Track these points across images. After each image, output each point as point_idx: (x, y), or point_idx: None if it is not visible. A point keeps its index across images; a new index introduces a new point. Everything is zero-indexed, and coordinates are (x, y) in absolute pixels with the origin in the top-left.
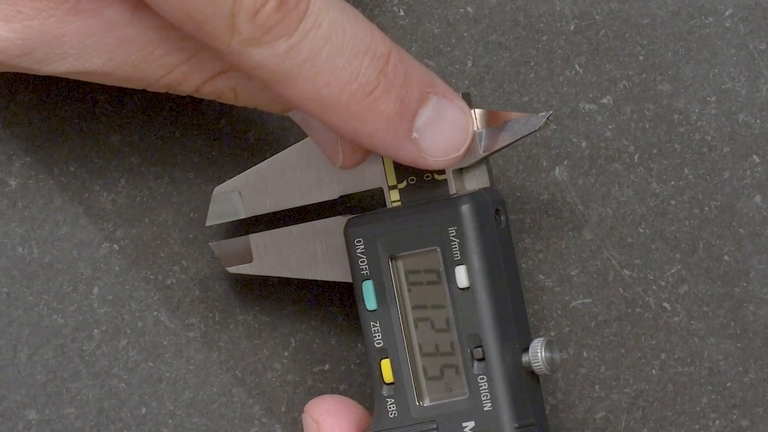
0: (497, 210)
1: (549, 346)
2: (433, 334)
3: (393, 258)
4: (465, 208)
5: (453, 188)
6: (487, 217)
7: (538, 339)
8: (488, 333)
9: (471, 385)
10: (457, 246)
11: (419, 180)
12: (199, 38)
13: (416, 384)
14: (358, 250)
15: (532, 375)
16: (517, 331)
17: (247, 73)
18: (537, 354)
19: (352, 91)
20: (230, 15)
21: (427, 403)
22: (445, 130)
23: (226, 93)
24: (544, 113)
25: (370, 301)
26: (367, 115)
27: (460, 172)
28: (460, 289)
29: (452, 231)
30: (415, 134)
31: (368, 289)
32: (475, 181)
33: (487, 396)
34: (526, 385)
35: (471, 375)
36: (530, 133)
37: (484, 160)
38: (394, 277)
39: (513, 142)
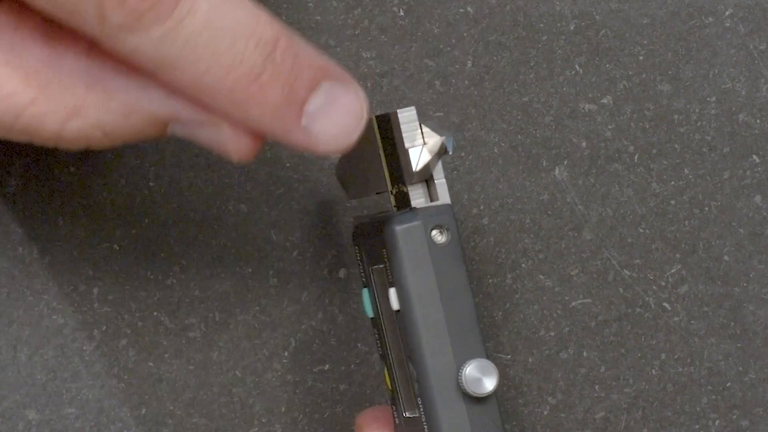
0: (437, 227)
1: (481, 367)
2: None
3: (371, 268)
4: (390, 230)
5: (393, 203)
6: (416, 237)
7: (475, 360)
8: (417, 356)
9: (416, 404)
10: (389, 267)
11: (399, 190)
12: (72, 26)
13: (403, 394)
14: (357, 257)
15: (474, 396)
16: (455, 351)
17: (128, 60)
18: (462, 375)
19: (236, 77)
20: (97, 4)
21: (408, 414)
22: (337, 116)
23: (93, 133)
24: (444, 138)
25: (368, 309)
26: (254, 101)
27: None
28: (395, 311)
29: (386, 251)
30: (305, 121)
31: (365, 297)
32: (424, 197)
33: (424, 417)
34: (468, 407)
35: (414, 395)
36: (438, 156)
37: (426, 174)
38: (376, 288)
39: (427, 164)
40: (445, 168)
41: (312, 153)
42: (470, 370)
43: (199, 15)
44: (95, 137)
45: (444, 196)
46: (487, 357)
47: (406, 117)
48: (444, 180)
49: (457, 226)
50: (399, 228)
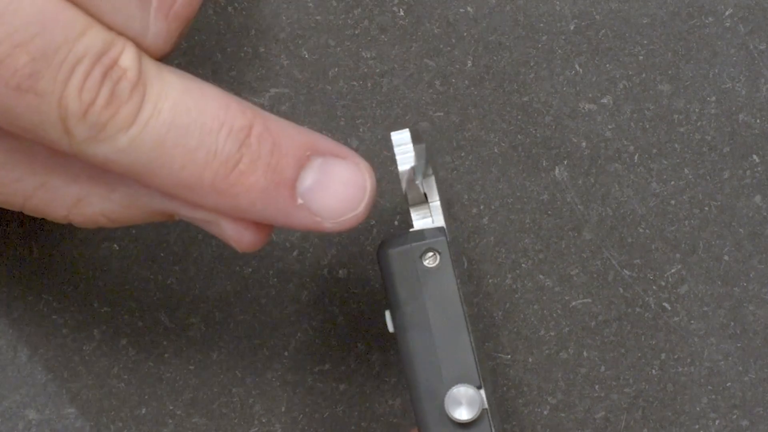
0: (429, 250)
1: (463, 394)
2: None
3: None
4: (381, 253)
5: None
6: (406, 261)
7: (460, 386)
8: (409, 378)
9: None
10: (385, 289)
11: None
12: (41, 142)
13: None
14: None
15: (457, 422)
16: (444, 375)
17: (103, 170)
18: (445, 400)
19: (213, 170)
20: (59, 120)
21: None
22: (335, 190)
23: (99, 219)
24: (413, 165)
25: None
26: (238, 190)
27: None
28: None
29: (381, 273)
30: (300, 200)
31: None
32: (431, 218)
33: None
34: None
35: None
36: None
37: (422, 194)
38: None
39: (414, 187)
40: (444, 168)
41: (322, 231)
42: (452, 395)
43: (163, 115)
44: (102, 222)
45: (438, 219)
46: (480, 381)
47: (399, 139)
48: (438, 202)
49: (450, 249)
50: (389, 251)
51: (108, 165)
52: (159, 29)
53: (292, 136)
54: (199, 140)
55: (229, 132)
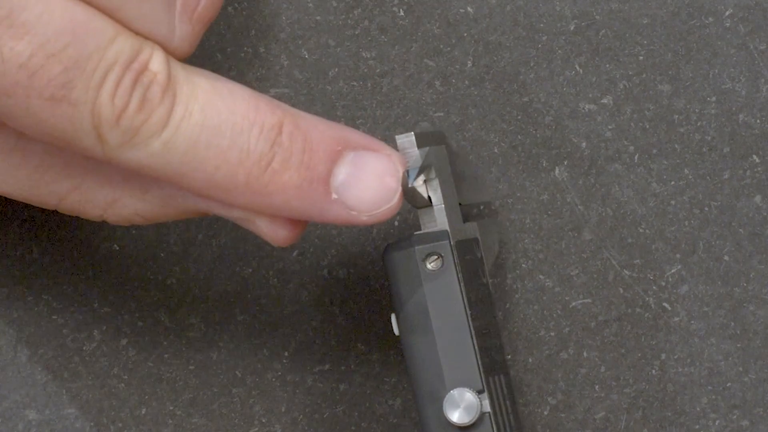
0: (432, 253)
1: (462, 398)
2: None
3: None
4: (386, 256)
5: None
6: (409, 264)
7: (461, 389)
8: (412, 382)
9: None
10: (390, 292)
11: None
12: (76, 151)
13: None
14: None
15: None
16: (447, 378)
17: (138, 174)
18: (444, 403)
19: (247, 169)
20: (93, 127)
21: None
22: (369, 183)
23: (133, 218)
24: (407, 169)
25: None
26: (273, 189)
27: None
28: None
29: (387, 277)
30: (334, 195)
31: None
32: (432, 222)
33: None
34: None
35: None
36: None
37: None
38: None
39: (413, 192)
40: (445, 170)
41: (360, 225)
42: (450, 398)
43: (194, 117)
44: (137, 221)
45: (442, 222)
46: (482, 386)
47: (404, 143)
48: (443, 206)
49: (453, 252)
50: (393, 254)
51: (142, 170)
52: (184, 32)
53: (322, 131)
54: (231, 140)
55: (260, 131)
